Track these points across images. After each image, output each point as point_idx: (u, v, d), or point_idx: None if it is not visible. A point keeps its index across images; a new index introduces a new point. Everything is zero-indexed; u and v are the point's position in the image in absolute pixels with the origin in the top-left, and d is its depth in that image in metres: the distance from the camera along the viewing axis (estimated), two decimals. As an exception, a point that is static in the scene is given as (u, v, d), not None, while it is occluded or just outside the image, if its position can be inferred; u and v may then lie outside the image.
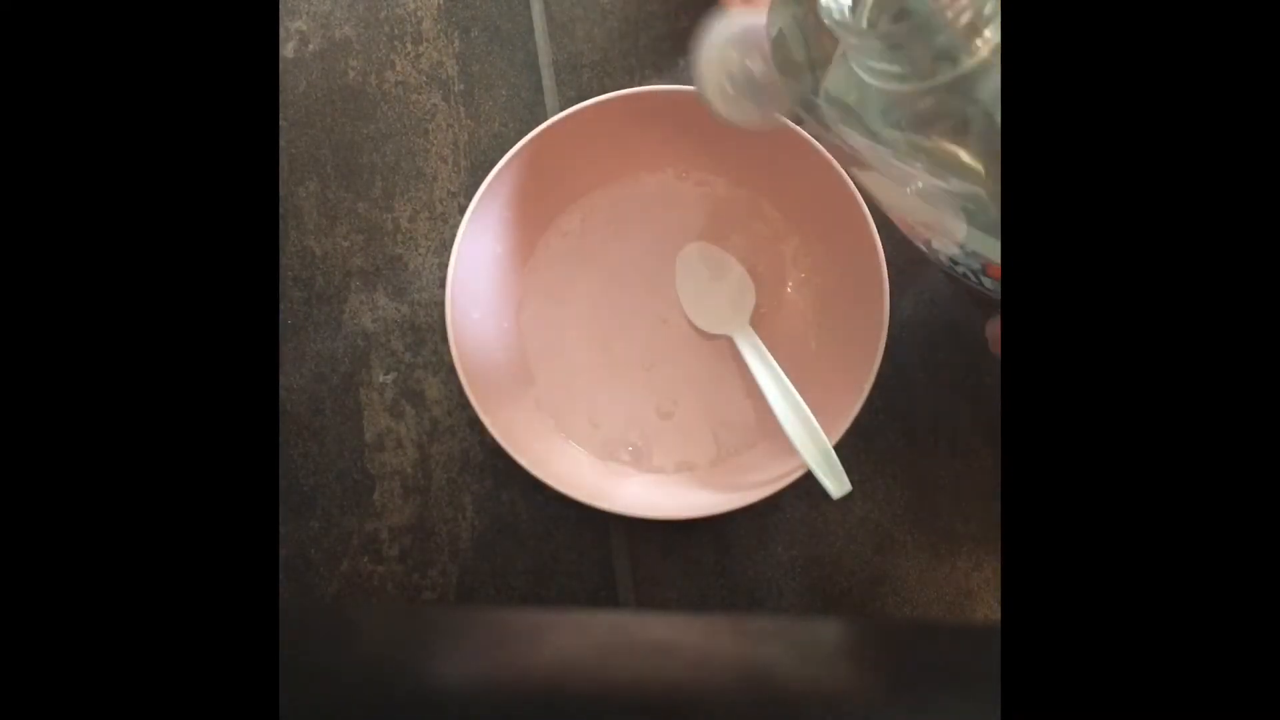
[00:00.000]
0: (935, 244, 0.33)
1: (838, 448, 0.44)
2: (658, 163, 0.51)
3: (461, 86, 0.53)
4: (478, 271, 0.47)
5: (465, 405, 0.51)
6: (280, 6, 0.53)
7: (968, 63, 0.23)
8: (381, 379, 0.51)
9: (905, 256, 0.50)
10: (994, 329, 0.35)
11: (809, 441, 0.44)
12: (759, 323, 0.49)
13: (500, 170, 0.46)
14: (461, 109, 0.53)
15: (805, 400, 0.45)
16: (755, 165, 0.49)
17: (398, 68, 0.53)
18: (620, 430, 0.49)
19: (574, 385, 0.50)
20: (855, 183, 0.44)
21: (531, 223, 0.50)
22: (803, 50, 0.27)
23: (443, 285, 0.52)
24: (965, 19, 0.23)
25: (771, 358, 0.46)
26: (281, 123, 0.53)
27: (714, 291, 0.49)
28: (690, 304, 0.49)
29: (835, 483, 0.43)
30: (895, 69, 0.25)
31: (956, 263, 0.32)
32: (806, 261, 0.50)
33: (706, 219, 0.51)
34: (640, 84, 0.52)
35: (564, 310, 0.50)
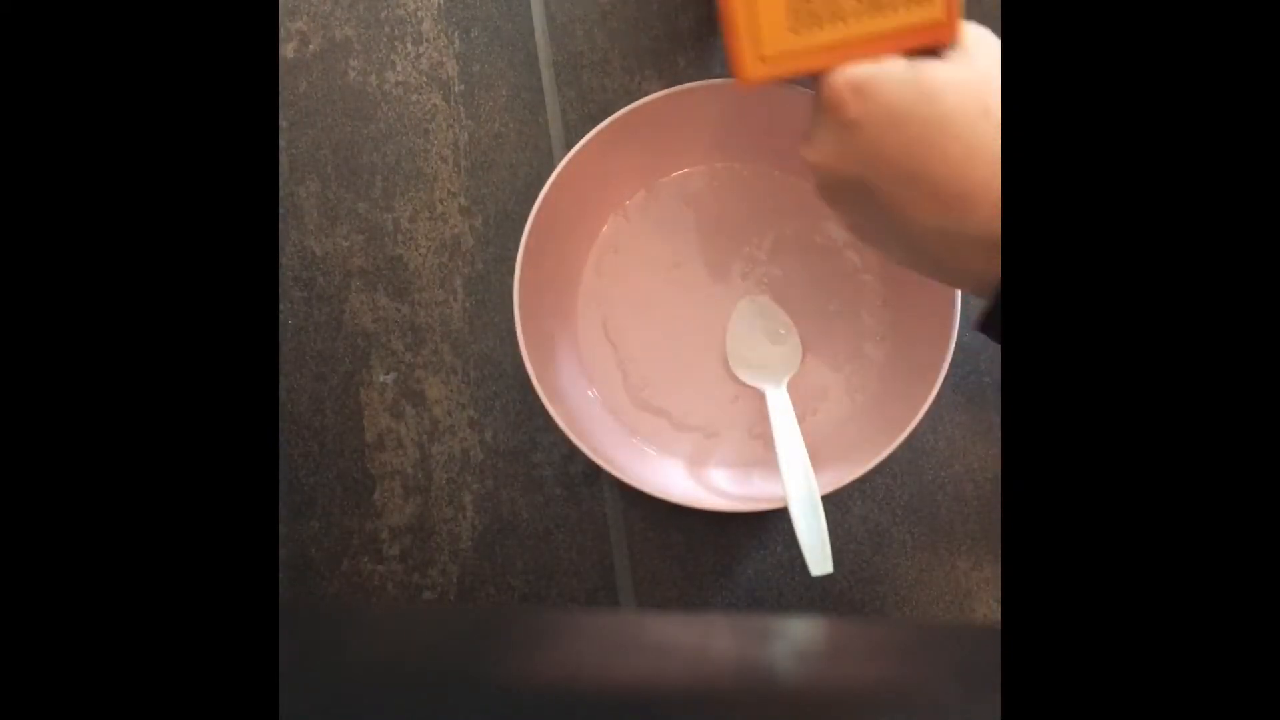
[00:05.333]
0: None
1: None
2: (746, 155, 0.51)
3: (461, 86, 0.53)
4: (547, 245, 0.47)
5: (465, 405, 0.51)
6: (280, 6, 0.53)
7: None
8: (381, 379, 0.51)
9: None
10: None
11: (809, 515, 0.43)
12: (821, 326, 0.49)
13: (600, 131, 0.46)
14: (461, 109, 0.53)
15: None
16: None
17: (398, 68, 0.53)
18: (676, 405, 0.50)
19: (649, 353, 0.51)
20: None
21: (604, 195, 0.50)
22: None
23: (442, 285, 0.52)
24: None
25: (796, 424, 0.46)
26: (282, 123, 0.53)
27: (762, 349, 0.49)
28: (734, 350, 0.49)
29: (820, 562, 0.43)
30: None
31: None
32: (876, 283, 0.50)
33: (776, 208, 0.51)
34: (640, 84, 0.52)
35: (629, 290, 0.51)
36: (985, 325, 0.31)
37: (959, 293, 0.44)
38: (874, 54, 0.32)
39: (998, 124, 0.29)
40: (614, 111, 0.47)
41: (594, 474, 0.50)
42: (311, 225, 0.52)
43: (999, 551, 0.48)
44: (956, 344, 0.44)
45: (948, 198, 0.30)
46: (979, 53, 0.31)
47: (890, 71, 0.31)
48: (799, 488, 0.44)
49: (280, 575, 0.50)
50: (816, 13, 0.32)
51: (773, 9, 0.32)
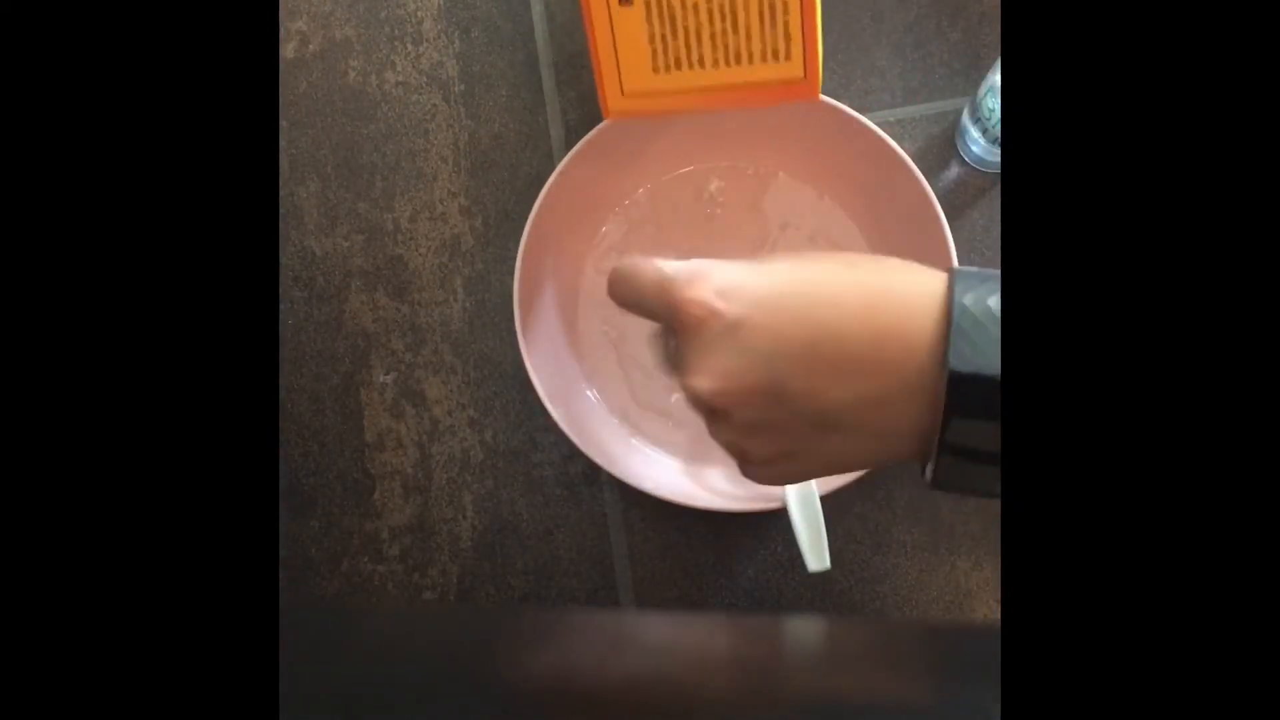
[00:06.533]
0: None
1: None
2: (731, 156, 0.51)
3: (461, 86, 0.53)
4: (547, 240, 0.47)
5: (465, 405, 0.51)
6: (280, 7, 0.53)
7: None
8: (381, 379, 0.51)
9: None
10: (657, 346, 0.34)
11: (806, 510, 0.44)
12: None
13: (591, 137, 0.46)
14: (461, 109, 0.53)
15: None
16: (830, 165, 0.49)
17: (398, 68, 0.53)
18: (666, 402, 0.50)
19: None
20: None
21: (604, 195, 0.50)
22: None
23: (442, 285, 0.52)
24: None
25: None
26: (282, 123, 0.53)
27: None
28: None
29: (816, 558, 0.43)
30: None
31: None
32: None
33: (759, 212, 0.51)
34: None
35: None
36: (938, 483, 0.29)
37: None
38: (732, 105, 0.32)
39: (867, 264, 0.28)
40: (614, 111, 0.47)
41: (594, 474, 0.50)
42: (311, 225, 0.52)
43: (999, 551, 0.48)
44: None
45: (863, 355, 0.27)
46: (802, 250, 0.30)
47: (741, 266, 0.29)
48: (794, 488, 0.44)
49: (280, 575, 0.50)
50: (678, 56, 0.32)
51: (636, 48, 0.32)
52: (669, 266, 0.30)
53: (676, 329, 0.30)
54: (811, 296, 0.28)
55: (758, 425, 0.29)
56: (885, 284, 0.28)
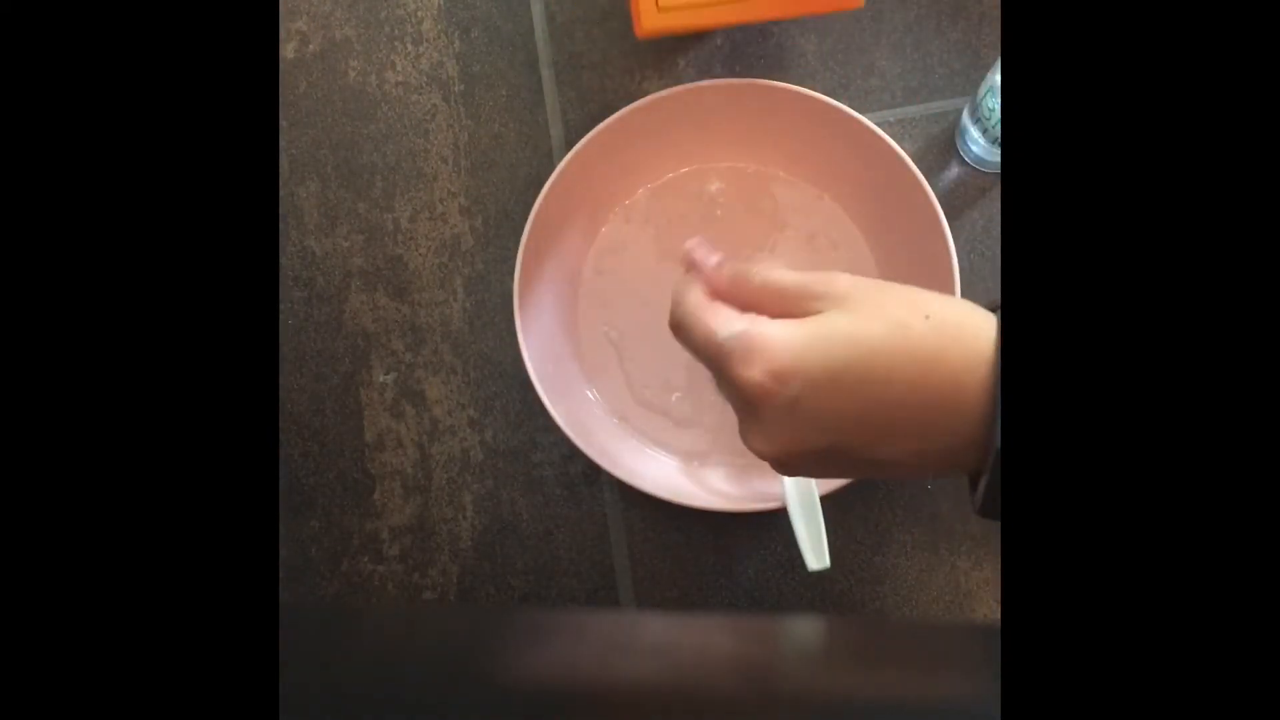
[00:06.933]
0: None
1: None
2: (728, 155, 0.51)
3: (461, 86, 0.53)
4: (546, 240, 0.48)
5: (465, 405, 0.51)
6: (280, 7, 0.53)
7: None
8: (381, 379, 0.51)
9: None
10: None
11: (806, 508, 0.44)
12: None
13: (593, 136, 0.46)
14: (461, 109, 0.53)
15: None
16: (834, 169, 0.49)
17: (398, 68, 0.53)
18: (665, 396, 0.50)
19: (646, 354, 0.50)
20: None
21: (604, 195, 0.50)
22: None
23: (442, 285, 0.52)
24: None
25: None
26: (282, 123, 0.53)
27: None
28: None
29: (816, 557, 0.43)
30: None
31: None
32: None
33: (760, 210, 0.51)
34: (640, 84, 0.52)
35: (625, 291, 0.51)
36: (987, 509, 0.30)
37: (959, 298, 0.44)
38: (774, 13, 0.30)
39: (920, 327, 0.29)
40: (614, 111, 0.47)
41: (594, 474, 0.50)
42: (311, 225, 0.52)
43: (999, 551, 0.48)
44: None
45: (913, 424, 0.29)
46: (851, 289, 0.30)
47: (794, 337, 0.30)
48: (795, 481, 0.44)
49: (280, 575, 0.50)
50: None
51: None
52: (721, 332, 0.31)
53: (733, 395, 0.32)
54: (864, 374, 0.29)
55: (818, 466, 0.33)
56: (937, 352, 0.29)
